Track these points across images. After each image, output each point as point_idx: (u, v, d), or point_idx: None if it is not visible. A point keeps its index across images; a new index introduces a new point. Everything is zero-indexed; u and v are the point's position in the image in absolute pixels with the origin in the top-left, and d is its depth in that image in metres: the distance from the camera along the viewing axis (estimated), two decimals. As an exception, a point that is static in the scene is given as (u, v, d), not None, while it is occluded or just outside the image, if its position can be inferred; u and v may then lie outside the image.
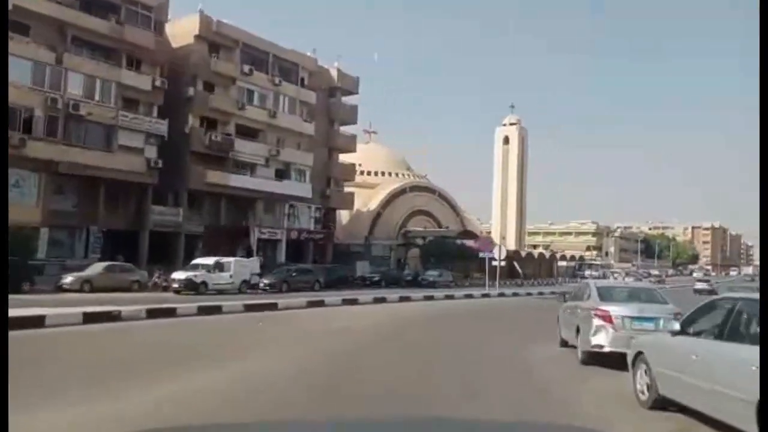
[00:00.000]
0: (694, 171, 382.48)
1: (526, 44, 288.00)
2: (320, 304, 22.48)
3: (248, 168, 45.29)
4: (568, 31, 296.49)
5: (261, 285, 31.92)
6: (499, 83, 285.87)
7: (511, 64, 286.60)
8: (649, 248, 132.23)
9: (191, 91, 42.16)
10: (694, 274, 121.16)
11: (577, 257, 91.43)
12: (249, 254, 39.31)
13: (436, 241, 56.48)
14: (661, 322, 10.77)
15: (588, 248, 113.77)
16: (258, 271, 32.03)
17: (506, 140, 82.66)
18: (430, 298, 28.70)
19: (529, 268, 70.22)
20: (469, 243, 59.03)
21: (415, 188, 67.48)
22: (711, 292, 52.44)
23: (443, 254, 53.24)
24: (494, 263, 35.01)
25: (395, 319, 19.07)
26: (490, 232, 76.56)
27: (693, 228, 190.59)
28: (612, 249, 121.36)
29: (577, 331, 11.56)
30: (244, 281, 30.54)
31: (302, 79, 49.04)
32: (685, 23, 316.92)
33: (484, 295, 32.61)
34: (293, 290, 32.02)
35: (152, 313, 16.89)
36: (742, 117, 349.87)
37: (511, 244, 72.63)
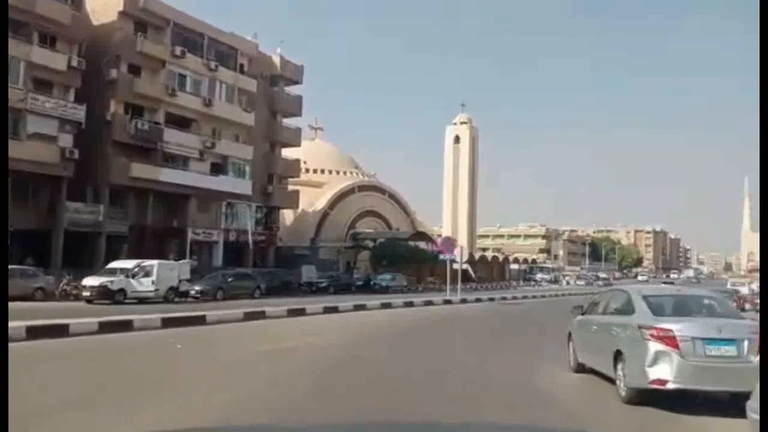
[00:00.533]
0: (634, 175, 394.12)
1: (480, 44, 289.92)
2: (260, 316, 18.62)
3: (180, 161, 40.78)
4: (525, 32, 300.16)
5: (192, 292, 27.80)
6: (451, 82, 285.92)
7: (462, 64, 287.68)
8: (595, 251, 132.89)
9: (114, 73, 37.48)
10: (639, 277, 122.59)
11: (528, 260, 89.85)
12: (181, 257, 34.88)
13: (387, 244, 53.09)
14: (745, 346, 7.62)
15: (540, 251, 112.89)
16: (188, 276, 27.81)
17: (457, 139, 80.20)
18: (388, 305, 25.19)
19: (482, 271, 67.92)
20: (423, 245, 56.22)
21: (364, 188, 64.02)
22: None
23: (395, 257, 49.93)
24: (455, 266, 31.92)
25: (354, 334, 15.53)
26: (440, 235, 73.87)
27: (635, 232, 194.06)
28: (561, 252, 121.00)
29: (617, 357, 8.28)
30: (171, 288, 26.33)
31: (241, 66, 44.82)
32: (636, 25, 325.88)
33: (446, 302, 29.39)
34: (230, 298, 28.05)
35: (33, 333, 12.81)
36: (673, 122, 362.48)
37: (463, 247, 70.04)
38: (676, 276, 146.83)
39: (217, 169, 42.72)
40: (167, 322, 15.31)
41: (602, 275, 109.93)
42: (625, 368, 8.00)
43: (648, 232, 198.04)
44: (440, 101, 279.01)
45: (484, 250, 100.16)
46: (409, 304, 26.71)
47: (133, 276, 25.00)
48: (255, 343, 12.91)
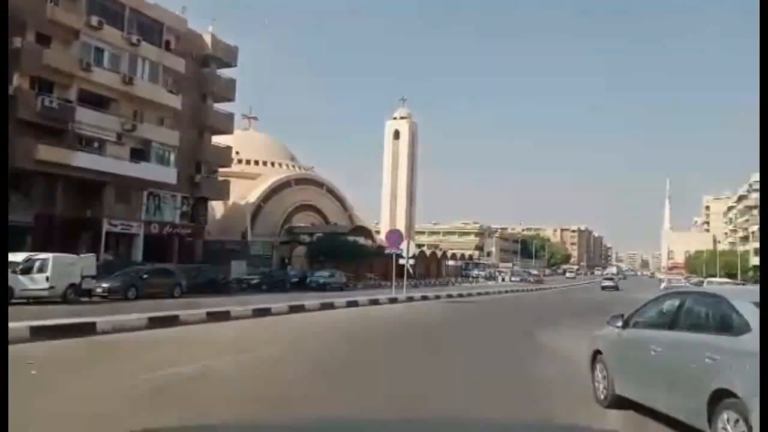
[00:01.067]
0: (561, 176, 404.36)
1: (422, 41, 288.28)
2: (172, 321, 14.64)
3: (95, 145, 35.82)
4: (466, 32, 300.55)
5: (98, 290, 23.40)
6: (392, 78, 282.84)
7: (402, 60, 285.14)
8: (525, 249, 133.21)
9: (18, 42, 32.24)
10: (567, 274, 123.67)
11: (463, 257, 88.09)
12: (95, 252, 30.06)
13: (325, 239, 49.45)
14: None
15: (475, 248, 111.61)
16: (93, 272, 23.32)
17: (397, 134, 77.31)
18: (329, 306, 21.62)
19: (420, 267, 65.27)
20: (362, 240, 52.90)
21: (301, 181, 60.13)
22: (615, 288, 60.72)
23: (334, 253, 46.38)
24: (402, 261, 28.71)
25: (289, 348, 11.96)
26: (378, 232, 70.82)
27: (562, 230, 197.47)
28: (493, 249, 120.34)
29: (716, 401, 4.93)
30: (72, 285, 21.85)
31: (167, 42, 40.05)
32: (570, 23, 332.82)
33: (392, 300, 26.14)
34: (144, 297, 23.80)
35: None
36: (601, 127, 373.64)
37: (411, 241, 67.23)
38: (600, 272, 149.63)
39: (138, 154, 37.86)
40: (39, 333, 11.26)
41: (533, 272, 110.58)
42: (746, 420, 4.64)
43: (573, 231, 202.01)
44: (381, 96, 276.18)
45: (419, 246, 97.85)
46: (353, 304, 23.30)
47: (24, 272, 20.44)
48: (145, 365, 9.07)
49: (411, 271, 61.71)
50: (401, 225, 75.54)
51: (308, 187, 60.62)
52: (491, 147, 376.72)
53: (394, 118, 78.05)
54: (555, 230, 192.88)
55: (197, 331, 14.03)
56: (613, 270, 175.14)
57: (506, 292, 43.57)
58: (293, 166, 63.33)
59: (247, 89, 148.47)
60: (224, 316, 16.61)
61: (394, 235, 27.58)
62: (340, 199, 64.31)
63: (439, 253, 75.44)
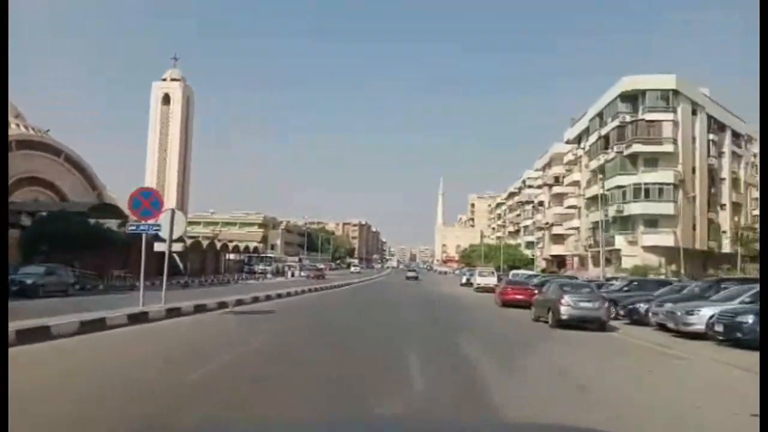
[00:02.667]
0: (341, 171, 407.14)
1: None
2: None
3: None
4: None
5: None
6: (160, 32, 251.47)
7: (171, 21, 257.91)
8: (311, 242, 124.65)
9: None
10: (352, 269, 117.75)
11: (247, 249, 75.69)
12: None
13: (53, 220, 33.93)
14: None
15: (261, 240, 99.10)
16: None
17: (167, 99, 62.17)
18: (29, 338, 8.81)
19: (195, 261, 51.99)
20: (114, 225, 38.07)
21: (26, 144, 43.01)
22: (417, 278, 70.07)
23: (65, 240, 31.44)
24: (159, 248, 16.43)
25: None
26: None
27: (344, 224, 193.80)
28: (279, 242, 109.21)
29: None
30: None
31: None
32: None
33: (136, 318, 13.78)
34: None
35: None
36: (376, 126, 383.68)
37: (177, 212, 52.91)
38: (379, 266, 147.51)
39: None
40: None
41: (320, 265, 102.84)
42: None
43: (354, 225, 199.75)
44: (147, 54, 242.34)
45: (193, 238, 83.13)
46: (38, 335, 10.52)
47: None
48: None
49: (181, 266, 48.52)
50: (171, 206, 60.98)
51: (38, 154, 43.80)
52: (272, 136, 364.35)
53: (163, 80, 62.75)
54: (337, 224, 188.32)
55: None
56: (394, 263, 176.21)
57: (308, 291, 32.97)
58: (18, 125, 45.62)
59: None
60: None
61: (145, 200, 14.95)
62: (85, 172, 48.06)
63: (218, 245, 62.18)
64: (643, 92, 53.87)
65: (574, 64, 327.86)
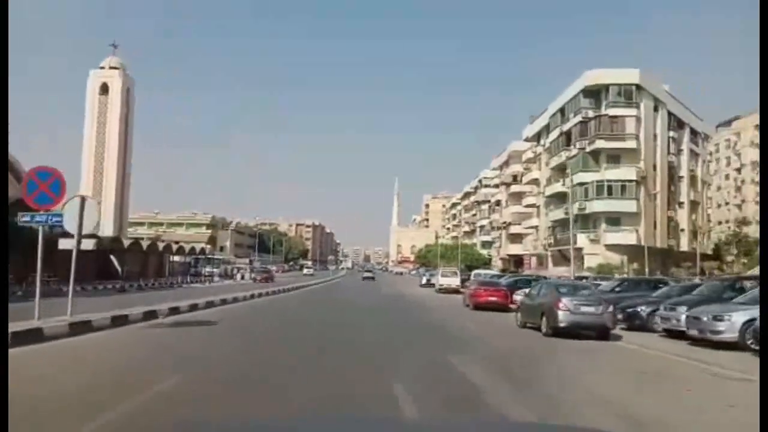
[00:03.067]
0: (293, 171, 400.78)
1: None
2: None
3: None
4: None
5: None
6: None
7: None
8: (262, 243, 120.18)
9: None
10: (305, 270, 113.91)
11: (193, 251, 71.14)
12: None
13: (-40, 217, 29.32)
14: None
15: (209, 241, 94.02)
16: None
17: (105, 89, 57.30)
18: None
19: (135, 264, 47.66)
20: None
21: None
22: (373, 278, 68.82)
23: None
24: (65, 245, 12.93)
25: None
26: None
27: (297, 225, 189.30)
28: (228, 243, 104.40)
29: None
30: None
31: None
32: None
33: (31, 335, 10.33)
34: None
35: None
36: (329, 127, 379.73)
37: (109, 231, 48.39)
38: (333, 267, 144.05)
39: None
40: None
41: (273, 267, 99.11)
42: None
43: (308, 226, 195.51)
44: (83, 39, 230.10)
45: (137, 240, 77.97)
46: None
47: None
48: None
49: (119, 268, 44.29)
50: (110, 209, 56.14)
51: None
52: (220, 135, 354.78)
53: (101, 68, 57.85)
54: (290, 225, 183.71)
55: None
56: (349, 264, 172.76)
57: (253, 296, 29.32)
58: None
59: None
60: None
61: (42, 183, 11.30)
62: (13, 167, 43.05)
63: (161, 246, 57.64)
64: (607, 87, 52.48)
65: (529, 64, 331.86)
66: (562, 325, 14.27)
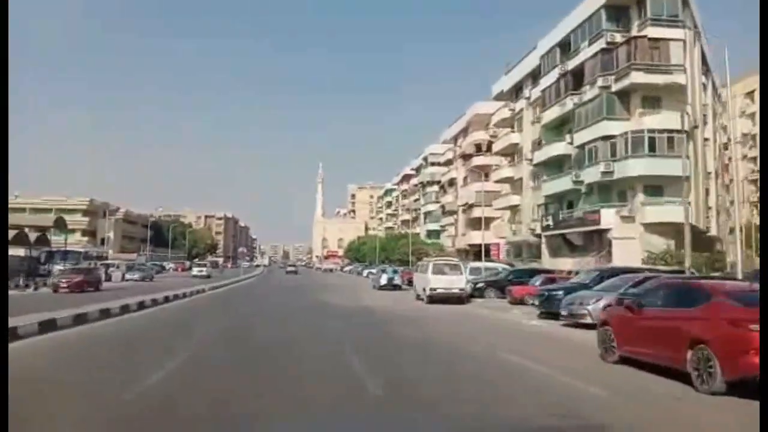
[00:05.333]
0: (205, 159, 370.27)
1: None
2: None
3: None
4: None
5: None
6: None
7: None
8: (161, 235, 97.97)
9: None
10: (194, 270, 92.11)
11: (46, 241, 49.71)
12: None
13: None
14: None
15: (85, 233, 71.92)
16: None
17: None
18: None
19: None
20: None
21: None
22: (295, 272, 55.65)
23: None
24: None
25: None
26: None
27: (206, 217, 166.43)
28: (112, 234, 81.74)
29: None
30: None
31: None
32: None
33: None
34: None
35: None
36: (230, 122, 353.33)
37: None
38: (248, 264, 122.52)
39: None
40: None
41: (170, 265, 79.05)
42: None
43: (219, 218, 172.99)
44: None
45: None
46: None
47: None
48: None
49: None
50: None
51: None
52: (131, 124, 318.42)
53: None
54: (198, 217, 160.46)
55: None
56: (266, 261, 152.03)
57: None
58: None
59: None
60: None
61: None
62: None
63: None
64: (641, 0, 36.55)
65: (461, 51, 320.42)
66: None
